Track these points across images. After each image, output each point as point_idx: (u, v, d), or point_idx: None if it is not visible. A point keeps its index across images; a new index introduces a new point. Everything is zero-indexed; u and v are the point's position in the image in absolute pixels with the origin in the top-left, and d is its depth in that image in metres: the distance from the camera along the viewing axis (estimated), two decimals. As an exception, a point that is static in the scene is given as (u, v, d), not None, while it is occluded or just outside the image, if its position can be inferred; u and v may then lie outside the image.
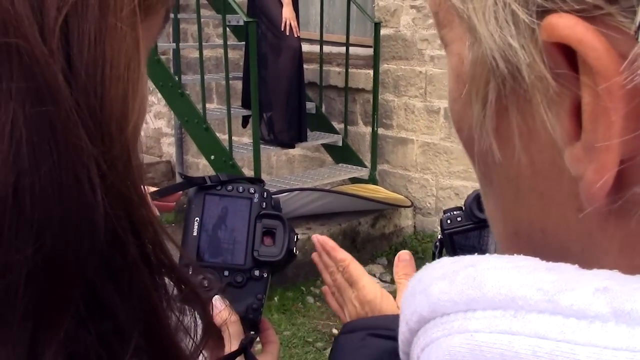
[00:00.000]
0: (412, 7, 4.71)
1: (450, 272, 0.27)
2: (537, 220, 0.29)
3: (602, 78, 0.23)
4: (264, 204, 0.83)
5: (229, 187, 0.82)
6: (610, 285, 0.23)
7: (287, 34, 4.58)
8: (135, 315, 0.37)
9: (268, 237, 0.82)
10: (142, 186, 0.38)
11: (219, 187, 0.82)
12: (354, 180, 4.96)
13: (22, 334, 0.33)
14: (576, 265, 0.25)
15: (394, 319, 0.29)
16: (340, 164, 5.07)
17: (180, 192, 0.88)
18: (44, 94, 0.32)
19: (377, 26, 4.75)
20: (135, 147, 0.38)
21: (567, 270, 0.25)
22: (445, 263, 0.28)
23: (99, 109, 0.34)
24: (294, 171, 5.53)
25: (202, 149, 4.70)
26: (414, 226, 4.93)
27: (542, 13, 0.24)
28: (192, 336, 0.42)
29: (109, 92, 0.35)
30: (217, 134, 4.63)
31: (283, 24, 4.56)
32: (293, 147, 4.88)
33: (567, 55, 0.25)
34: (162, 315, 0.39)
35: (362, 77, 4.99)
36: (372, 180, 4.91)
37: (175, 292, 0.42)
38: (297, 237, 0.84)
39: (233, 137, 4.50)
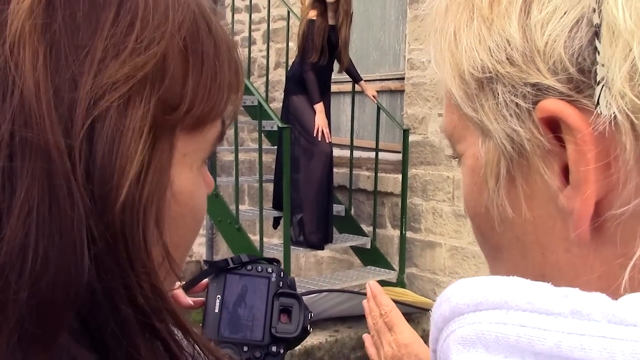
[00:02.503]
0: (440, 115, 4.86)
1: (465, 286, 0.38)
2: (539, 268, 0.40)
3: (579, 131, 0.35)
4: (281, 283, 0.89)
5: (249, 267, 0.89)
6: (569, 294, 0.34)
7: (319, 139, 4.75)
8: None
9: (285, 314, 0.88)
10: (144, 256, 0.44)
11: (239, 267, 0.89)
12: (382, 283, 4.93)
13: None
14: (550, 283, 0.36)
15: None
16: (368, 267, 5.08)
17: (207, 281, 0.93)
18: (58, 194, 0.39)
19: (405, 133, 4.90)
20: (135, 224, 0.43)
21: (543, 285, 0.36)
22: (462, 281, 0.39)
23: (94, 180, 0.41)
24: (322, 273, 5.55)
25: (233, 248, 4.78)
26: (443, 331, 4.84)
27: (535, 101, 0.37)
28: None
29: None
30: (248, 235, 4.72)
31: (315, 130, 4.74)
32: (322, 248, 4.93)
33: (553, 127, 0.37)
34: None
35: (391, 181, 5.10)
36: (400, 283, 4.90)
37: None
38: (311, 315, 0.89)
39: (264, 238, 4.58)
